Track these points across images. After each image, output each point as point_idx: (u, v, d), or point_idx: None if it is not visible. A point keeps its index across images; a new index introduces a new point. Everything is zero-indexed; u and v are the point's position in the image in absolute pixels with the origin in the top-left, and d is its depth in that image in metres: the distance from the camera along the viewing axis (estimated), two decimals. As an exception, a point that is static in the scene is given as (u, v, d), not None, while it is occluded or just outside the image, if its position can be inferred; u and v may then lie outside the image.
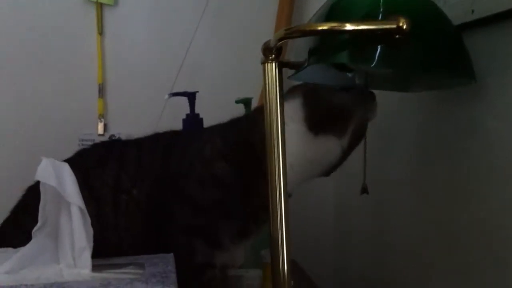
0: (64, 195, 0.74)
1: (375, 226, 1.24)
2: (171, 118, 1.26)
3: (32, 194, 0.92)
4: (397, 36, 0.67)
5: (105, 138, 1.45)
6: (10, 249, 0.80)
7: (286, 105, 0.80)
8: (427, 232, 0.98)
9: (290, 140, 0.78)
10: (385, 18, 0.68)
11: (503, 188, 0.75)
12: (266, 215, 0.80)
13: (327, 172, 0.98)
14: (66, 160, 0.95)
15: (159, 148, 1.00)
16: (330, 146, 0.93)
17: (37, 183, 0.86)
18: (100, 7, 1.45)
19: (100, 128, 1.46)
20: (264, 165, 0.78)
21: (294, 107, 0.92)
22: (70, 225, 0.74)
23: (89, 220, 0.75)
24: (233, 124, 1.01)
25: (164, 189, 0.95)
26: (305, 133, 0.92)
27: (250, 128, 0.95)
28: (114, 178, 0.95)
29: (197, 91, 1.23)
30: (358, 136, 0.94)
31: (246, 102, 1.22)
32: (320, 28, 0.72)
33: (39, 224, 0.77)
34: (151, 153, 0.99)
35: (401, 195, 1.09)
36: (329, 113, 0.92)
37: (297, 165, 0.90)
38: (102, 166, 0.97)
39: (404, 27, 0.66)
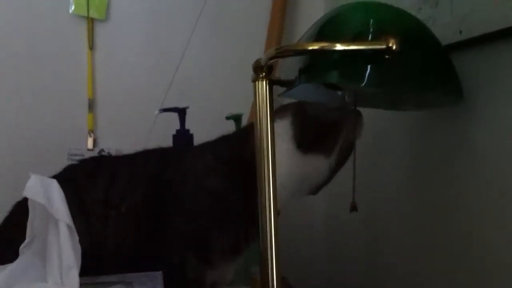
0: (52, 212, 0.73)
1: (367, 241, 1.24)
2: (161, 134, 1.26)
3: (21, 210, 0.91)
4: (386, 56, 0.68)
5: (95, 153, 1.44)
6: (-3, 266, 0.79)
7: (275, 124, 0.80)
8: (419, 245, 0.98)
9: (279, 158, 0.79)
10: (375, 39, 0.69)
11: (492, 202, 0.76)
12: (256, 231, 0.80)
13: (315, 190, 0.98)
14: (55, 176, 0.95)
15: (151, 164, 1.00)
16: (319, 164, 0.94)
17: (25, 198, 0.85)
18: (91, 21, 1.45)
19: (90, 143, 1.45)
20: (255, 182, 0.78)
21: (284, 126, 0.93)
22: (58, 242, 0.74)
23: (77, 238, 0.75)
24: (226, 139, 1.02)
25: (155, 204, 0.95)
26: (294, 152, 0.93)
27: (242, 144, 0.96)
28: (103, 193, 0.95)
29: (188, 107, 1.23)
30: (345, 154, 0.95)
31: (237, 118, 1.22)
32: (310, 47, 0.72)
33: (26, 241, 0.76)
34: (142, 169, 0.99)
35: (393, 209, 1.10)
36: (317, 132, 0.93)
37: (286, 183, 0.91)
38: (91, 182, 0.97)
39: (394, 47, 0.67)
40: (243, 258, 1.00)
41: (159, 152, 1.03)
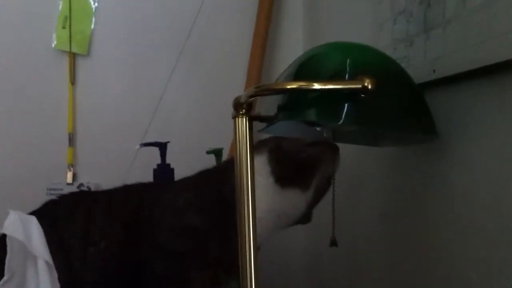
0: (31, 249, 0.73)
1: (347, 276, 1.25)
2: (142, 168, 1.27)
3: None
4: (362, 95, 0.69)
5: (74, 187, 1.44)
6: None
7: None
8: (400, 279, 0.99)
9: (258, 193, 0.79)
10: (352, 78, 0.71)
11: (466, 237, 0.77)
12: (236, 268, 0.79)
13: (293, 223, 1.00)
14: (34, 211, 0.94)
15: (130, 200, 1.00)
16: (296, 198, 0.96)
17: (3, 235, 0.85)
18: (73, 56, 1.46)
19: (69, 177, 1.45)
20: (235, 218, 0.78)
21: (261, 163, 0.95)
22: (36, 279, 0.74)
23: (55, 275, 0.75)
24: (205, 175, 1.02)
25: (134, 241, 0.94)
26: (272, 186, 0.95)
27: (222, 179, 0.97)
28: (82, 230, 0.94)
29: (168, 142, 1.24)
30: (323, 189, 0.97)
31: (217, 152, 1.23)
32: (289, 86, 0.73)
33: (5, 277, 0.76)
34: (122, 205, 0.99)
35: (372, 246, 1.10)
36: (293, 167, 0.95)
37: (265, 218, 0.91)
38: (71, 218, 0.96)
39: (369, 87, 0.68)
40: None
41: (138, 189, 1.03)
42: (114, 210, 0.98)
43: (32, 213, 0.91)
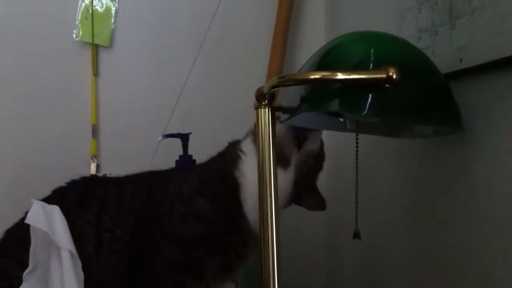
0: (54, 239, 0.74)
1: (366, 267, 1.24)
2: (164, 159, 1.27)
3: (11, 240, 0.90)
4: (387, 85, 0.68)
5: (97, 178, 1.44)
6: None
7: (243, 142, 0.92)
8: (420, 273, 0.98)
9: (248, 171, 0.86)
10: (376, 68, 0.69)
11: (490, 229, 0.76)
12: (245, 250, 0.79)
13: (287, 202, 0.99)
14: (44, 198, 0.94)
15: (140, 189, 1.01)
16: (280, 176, 0.93)
17: (15, 225, 0.85)
18: (96, 48, 1.47)
19: (93, 168, 1.45)
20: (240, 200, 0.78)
21: (248, 144, 0.98)
22: (60, 269, 0.74)
23: (79, 264, 0.75)
24: (209, 161, 1.04)
25: (147, 229, 0.95)
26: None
27: (226, 164, 0.99)
28: (96, 217, 0.95)
29: (190, 133, 1.24)
30: (310, 167, 0.98)
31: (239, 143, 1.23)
32: (312, 76, 0.73)
33: (29, 267, 0.77)
34: (132, 194, 1.01)
35: (392, 237, 1.09)
36: None
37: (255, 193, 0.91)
38: (82, 205, 0.97)
39: (394, 76, 0.67)
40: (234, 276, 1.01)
41: (148, 177, 1.04)
42: (125, 200, 0.99)
43: (42, 200, 0.91)
